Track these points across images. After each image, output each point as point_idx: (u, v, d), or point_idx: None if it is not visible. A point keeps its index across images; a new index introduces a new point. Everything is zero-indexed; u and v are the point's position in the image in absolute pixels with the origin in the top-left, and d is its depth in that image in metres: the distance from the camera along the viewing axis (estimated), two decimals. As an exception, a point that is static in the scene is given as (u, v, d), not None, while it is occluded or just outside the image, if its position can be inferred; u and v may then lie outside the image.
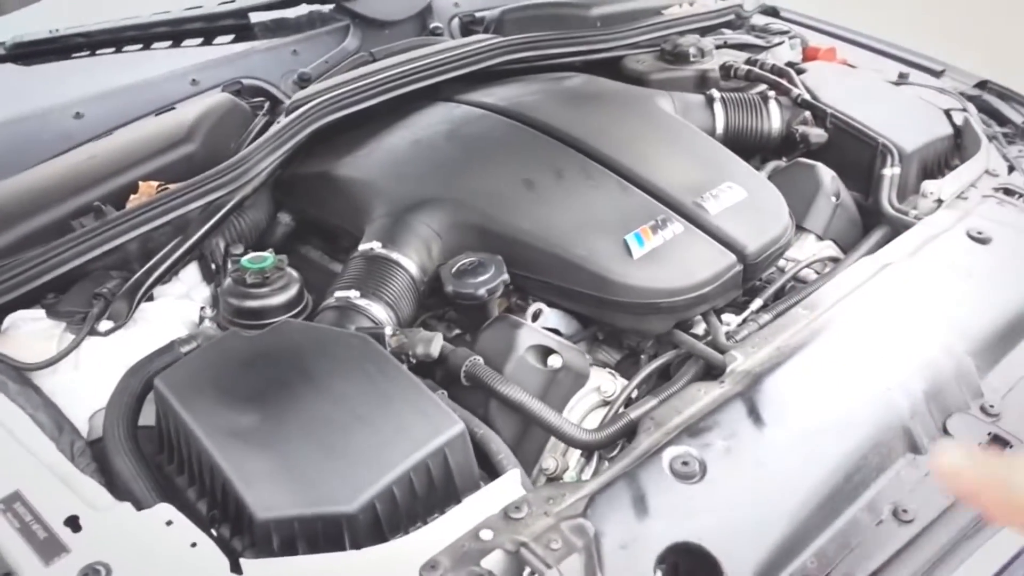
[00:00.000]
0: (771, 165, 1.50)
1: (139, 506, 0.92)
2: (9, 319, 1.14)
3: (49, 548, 0.87)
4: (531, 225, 1.21)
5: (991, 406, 1.08)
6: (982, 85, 1.78)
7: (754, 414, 1.01)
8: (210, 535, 0.89)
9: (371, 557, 0.87)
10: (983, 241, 1.29)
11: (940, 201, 1.41)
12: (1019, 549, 0.93)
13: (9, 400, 1.02)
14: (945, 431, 1.05)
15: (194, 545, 0.88)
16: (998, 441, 1.04)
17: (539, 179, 1.28)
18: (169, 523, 0.90)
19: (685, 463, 0.95)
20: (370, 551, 0.87)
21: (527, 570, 0.86)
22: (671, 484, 0.94)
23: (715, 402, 1.03)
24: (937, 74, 1.80)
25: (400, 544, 0.88)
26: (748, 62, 1.66)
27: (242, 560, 0.86)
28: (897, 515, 0.96)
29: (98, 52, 1.58)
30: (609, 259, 1.16)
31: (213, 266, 1.31)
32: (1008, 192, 1.44)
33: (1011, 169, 1.53)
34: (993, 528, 0.93)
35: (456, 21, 1.89)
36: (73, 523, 0.90)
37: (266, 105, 1.55)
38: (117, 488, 0.97)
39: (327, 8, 1.77)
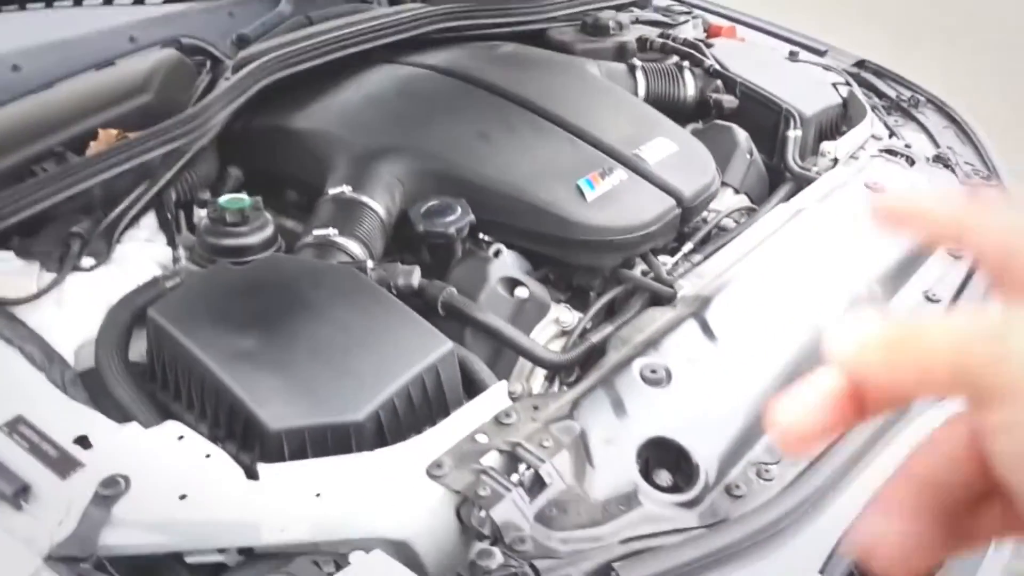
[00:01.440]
0: (690, 127, 1.65)
1: (145, 425, 0.96)
2: (-23, 261, 1.14)
3: (63, 464, 0.90)
4: (492, 171, 1.30)
5: (897, 324, 1.25)
6: (860, 64, 1.99)
7: (707, 330, 1.14)
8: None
9: (381, 458, 0.94)
10: (879, 191, 1.47)
11: (836, 160, 1.59)
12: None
13: (-6, 333, 1.03)
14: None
15: (208, 456, 0.93)
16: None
17: (493, 131, 1.37)
18: (181, 438, 0.94)
19: (653, 371, 1.07)
20: (380, 453, 0.94)
21: (523, 466, 0.96)
22: (643, 389, 1.06)
23: (671, 323, 1.15)
24: (821, 53, 1.99)
25: (406, 447, 0.95)
26: (661, 36, 1.81)
27: (259, 465, 0.91)
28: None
29: (28, 7, 1.55)
30: (567, 202, 1.26)
31: (169, 215, 1.33)
32: (892, 152, 1.63)
33: (891, 135, 1.73)
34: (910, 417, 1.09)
35: (384, -9, 1.95)
36: (83, 442, 0.92)
37: (208, 64, 1.57)
38: (115, 416, 1.00)
39: (259, -27, 1.79)
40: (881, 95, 1.90)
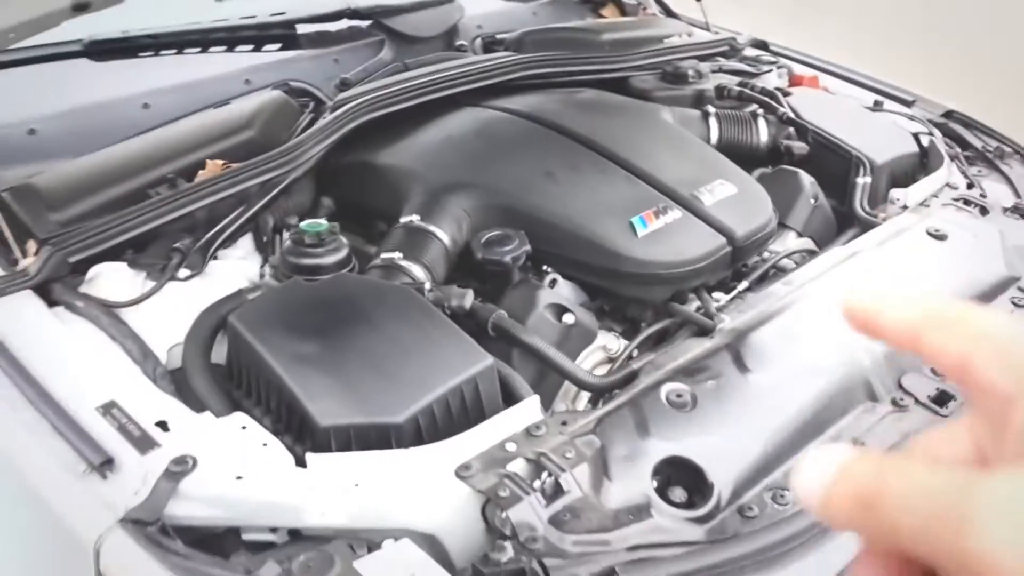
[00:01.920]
0: (759, 171, 1.70)
1: (217, 415, 1.09)
2: (94, 269, 1.31)
3: (144, 443, 1.04)
4: (552, 207, 1.40)
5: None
6: (948, 114, 1.99)
7: (739, 361, 1.19)
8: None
9: (416, 455, 1.03)
10: (940, 237, 1.49)
11: (906, 207, 1.61)
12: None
13: (101, 330, 1.20)
14: (900, 386, 1.23)
15: (265, 445, 1.05)
16: (946, 396, 1.22)
17: (558, 171, 1.47)
18: (244, 428, 1.07)
19: (679, 395, 1.13)
20: (415, 451, 1.03)
21: (545, 473, 1.03)
22: (667, 412, 1.12)
23: (706, 351, 1.21)
24: (908, 103, 2.01)
25: (440, 448, 1.05)
26: (740, 85, 1.87)
27: (308, 455, 1.03)
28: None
29: (162, 52, 1.76)
30: (618, 237, 1.35)
31: (264, 238, 1.48)
32: (966, 202, 1.64)
33: (970, 185, 1.73)
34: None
35: (479, 41, 2.09)
36: (162, 426, 1.06)
37: (311, 104, 1.74)
38: (194, 407, 1.14)
39: (365, 24, 1.97)
40: (967, 145, 1.90)
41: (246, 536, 1.00)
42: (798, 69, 2.10)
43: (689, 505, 1.04)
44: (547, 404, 1.29)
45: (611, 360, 1.33)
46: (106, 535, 0.94)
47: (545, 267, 1.40)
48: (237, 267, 1.36)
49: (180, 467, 0.99)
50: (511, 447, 1.05)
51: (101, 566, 0.93)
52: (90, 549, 0.93)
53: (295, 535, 1.01)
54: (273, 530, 1.01)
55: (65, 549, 0.97)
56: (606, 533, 0.99)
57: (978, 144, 1.88)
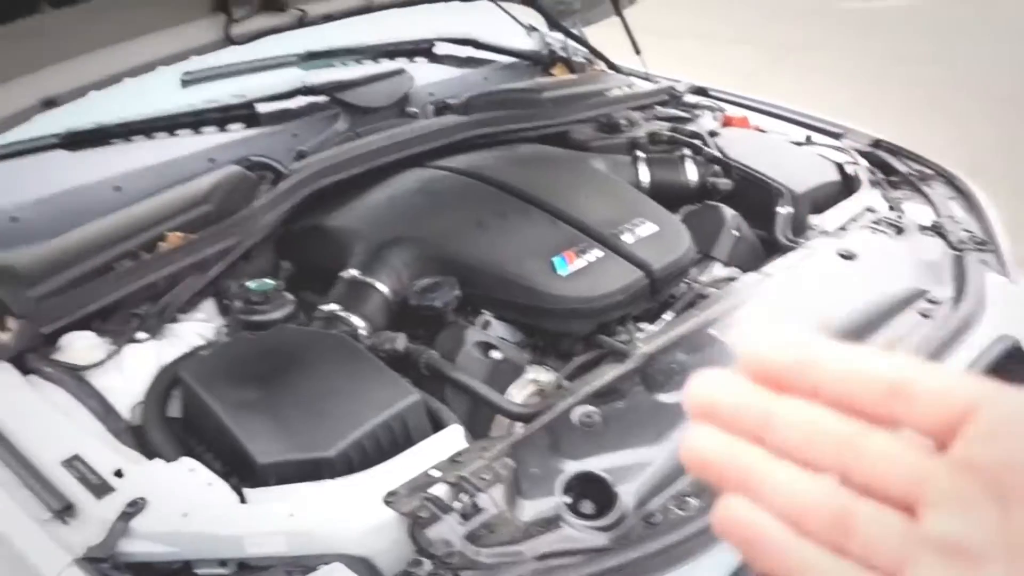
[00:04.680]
0: (685, 209, 1.81)
1: (168, 461, 1.20)
2: (65, 338, 1.43)
3: (101, 489, 1.14)
4: (480, 253, 1.51)
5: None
6: (876, 144, 2.10)
7: (647, 382, 1.29)
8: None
9: (346, 485, 1.14)
10: (849, 257, 1.59)
11: (825, 232, 1.71)
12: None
13: (68, 392, 1.32)
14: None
15: (210, 484, 1.16)
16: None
17: (487, 220, 1.59)
18: (192, 470, 1.18)
19: (589, 416, 1.23)
20: (344, 480, 1.14)
21: (464, 495, 1.13)
22: (578, 433, 1.22)
23: (617, 375, 1.31)
24: (837, 136, 2.12)
25: (368, 476, 1.15)
26: (672, 130, 2.00)
27: (245, 490, 1.13)
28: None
29: (132, 138, 1.92)
30: (539, 275, 1.46)
31: (226, 302, 1.61)
32: (883, 223, 1.74)
33: (891, 208, 1.84)
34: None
35: (430, 107, 2.23)
36: (119, 473, 1.17)
37: (271, 176, 1.87)
38: (151, 455, 1.25)
39: (322, 99, 2.12)
40: (892, 171, 2.00)
41: (198, 571, 1.10)
42: (731, 110, 2.22)
43: (597, 516, 1.13)
44: (481, 435, 1.38)
45: (543, 391, 1.42)
46: (64, 572, 1.04)
47: (483, 312, 1.51)
48: (194, 327, 1.48)
49: (132, 508, 1.10)
50: (435, 473, 1.15)
51: (59, 602, 1.03)
52: (49, 585, 1.04)
53: (244, 567, 1.10)
54: (223, 563, 1.10)
55: (27, 587, 1.07)
56: (518, 544, 1.09)
57: (904, 169, 1.99)
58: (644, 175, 1.85)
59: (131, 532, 1.08)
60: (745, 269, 1.71)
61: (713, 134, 1.98)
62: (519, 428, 1.39)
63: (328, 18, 1.96)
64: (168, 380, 1.34)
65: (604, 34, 2.46)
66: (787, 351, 0.35)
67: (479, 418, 1.37)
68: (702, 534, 1.09)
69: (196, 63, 1.93)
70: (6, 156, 1.82)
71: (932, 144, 2.10)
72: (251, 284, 1.44)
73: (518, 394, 1.42)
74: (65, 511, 1.11)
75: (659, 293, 1.53)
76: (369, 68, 2.32)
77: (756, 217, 1.79)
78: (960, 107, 4.98)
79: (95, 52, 1.65)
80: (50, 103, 1.63)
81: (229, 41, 1.84)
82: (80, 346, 1.41)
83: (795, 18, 7.13)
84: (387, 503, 1.10)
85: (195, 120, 1.98)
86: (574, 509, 1.13)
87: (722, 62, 5.26)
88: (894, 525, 0.32)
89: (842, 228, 1.72)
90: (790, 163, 1.90)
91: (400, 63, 2.39)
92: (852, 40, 6.49)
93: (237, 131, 2.01)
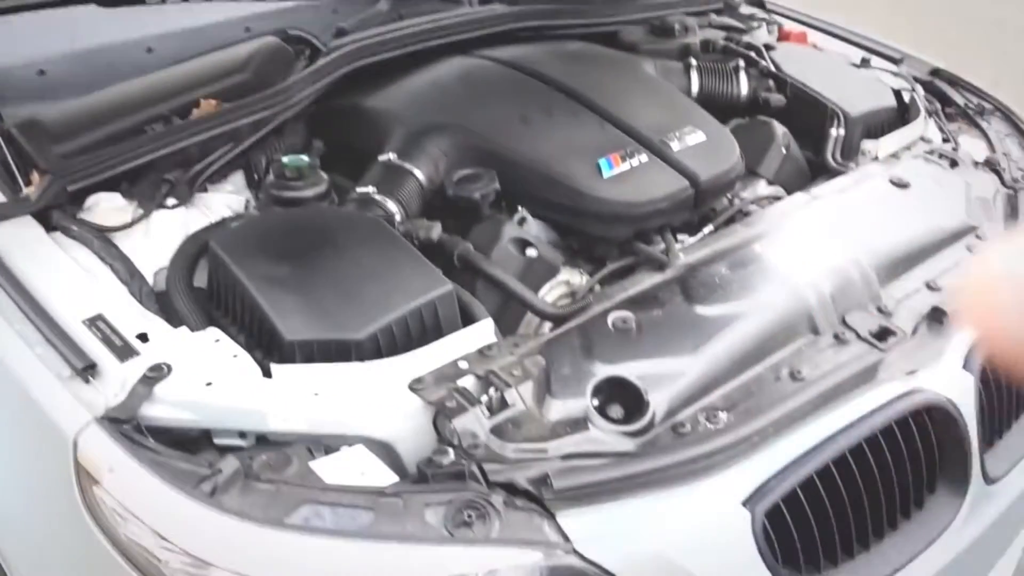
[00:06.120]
0: (734, 121, 1.75)
1: (193, 330, 1.18)
2: (91, 198, 1.40)
3: (124, 352, 1.13)
4: (523, 148, 1.46)
5: (885, 306, 1.32)
6: (935, 72, 2.01)
7: (686, 293, 1.26)
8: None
9: (373, 369, 1.12)
10: (902, 186, 1.53)
11: (876, 158, 1.65)
12: (883, 402, 1.16)
13: (92, 253, 1.29)
14: (843, 322, 1.29)
15: (235, 356, 1.14)
16: (887, 332, 1.27)
17: (532, 115, 1.54)
18: (217, 341, 1.16)
19: (624, 321, 1.20)
20: (372, 364, 1.12)
21: (491, 388, 1.11)
22: (612, 337, 1.19)
23: (656, 284, 1.28)
24: (896, 61, 2.03)
25: (395, 362, 1.13)
26: (726, 39, 1.91)
27: (272, 365, 1.11)
28: (793, 375, 1.20)
29: (167, 1, 1.85)
30: (583, 177, 1.41)
31: (256, 176, 1.57)
32: (937, 154, 1.67)
33: (945, 140, 1.77)
34: (864, 387, 1.17)
35: (476, -7, 2.14)
36: (143, 337, 1.15)
37: (307, 52, 1.81)
38: (175, 322, 1.22)
39: (366, -25, 2.03)
40: (950, 103, 1.92)
41: (217, 440, 1.09)
42: (789, 25, 2.13)
43: (626, 421, 1.11)
44: (509, 333, 1.36)
45: (573, 294, 1.39)
46: (84, 430, 1.03)
47: (520, 208, 1.47)
48: (224, 199, 1.45)
49: (156, 373, 1.08)
50: (463, 364, 1.13)
51: (78, 457, 1.02)
52: (69, 442, 1.03)
53: (262, 441, 1.09)
54: (242, 435, 1.09)
55: (47, 441, 1.06)
56: (544, 443, 1.07)
57: (961, 101, 1.91)
58: (695, 84, 1.78)
59: (153, 397, 1.07)
60: (789, 189, 1.66)
61: (769, 47, 1.90)
62: (548, 329, 1.37)
63: None
64: (196, 248, 1.31)
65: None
66: None
67: (508, 315, 1.35)
68: (730, 448, 1.07)
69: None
70: (36, 6, 1.75)
71: (985, 77, 2.01)
72: (285, 159, 1.40)
73: (549, 295, 1.39)
74: (88, 370, 1.09)
75: (702, 205, 1.48)
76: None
77: (806, 137, 1.73)
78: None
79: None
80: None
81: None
82: (107, 207, 1.38)
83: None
84: (413, 390, 1.08)
85: (233, -15, 1.91)
86: (602, 412, 1.11)
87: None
88: None
89: (894, 156, 1.66)
90: (846, 84, 1.82)
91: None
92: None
93: (276, 1, 1.93)
